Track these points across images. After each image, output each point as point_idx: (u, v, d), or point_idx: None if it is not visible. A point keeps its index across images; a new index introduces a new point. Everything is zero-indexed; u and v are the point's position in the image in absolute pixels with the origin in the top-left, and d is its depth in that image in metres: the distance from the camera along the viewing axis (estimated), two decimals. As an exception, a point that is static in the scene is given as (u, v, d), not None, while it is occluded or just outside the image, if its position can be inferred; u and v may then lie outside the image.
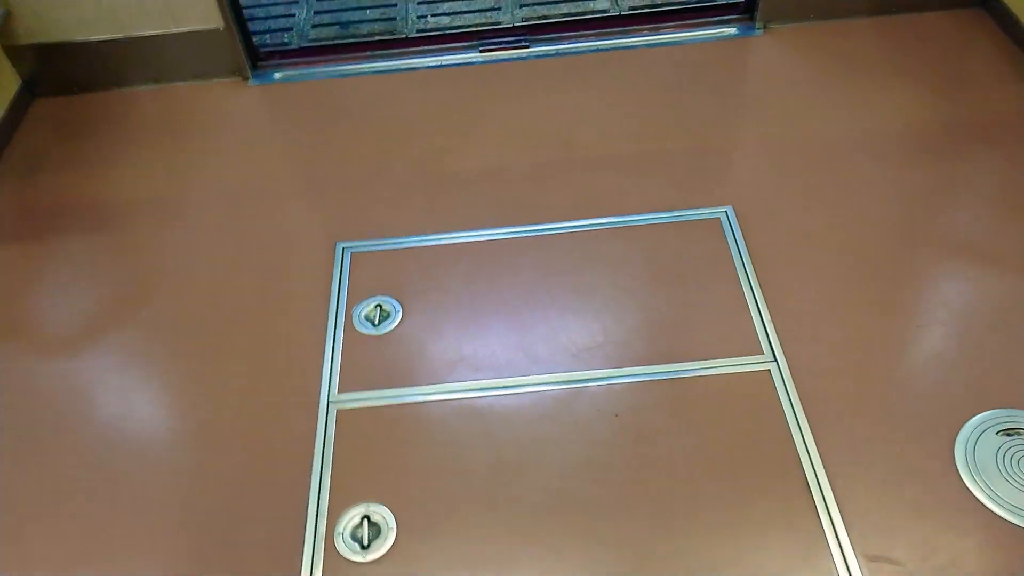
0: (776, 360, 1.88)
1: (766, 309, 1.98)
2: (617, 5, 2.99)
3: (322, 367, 1.94)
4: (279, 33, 2.99)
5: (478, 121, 2.59)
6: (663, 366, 1.89)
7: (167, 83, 2.76)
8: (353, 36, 2.96)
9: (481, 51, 2.84)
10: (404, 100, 2.69)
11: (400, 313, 2.05)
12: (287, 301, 2.11)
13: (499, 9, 3.03)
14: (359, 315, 2.05)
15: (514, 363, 1.92)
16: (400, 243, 2.22)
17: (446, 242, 2.21)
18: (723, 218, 2.20)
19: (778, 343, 1.91)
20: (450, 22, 3.00)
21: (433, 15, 3.04)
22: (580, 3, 3.01)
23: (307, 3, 3.13)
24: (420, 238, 2.22)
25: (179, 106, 2.71)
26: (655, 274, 2.10)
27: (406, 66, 2.82)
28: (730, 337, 1.93)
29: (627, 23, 2.88)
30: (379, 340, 2.00)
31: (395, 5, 3.10)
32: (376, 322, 2.03)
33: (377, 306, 2.07)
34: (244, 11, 2.74)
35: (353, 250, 2.21)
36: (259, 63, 2.82)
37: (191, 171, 2.49)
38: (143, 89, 2.76)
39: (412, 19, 3.03)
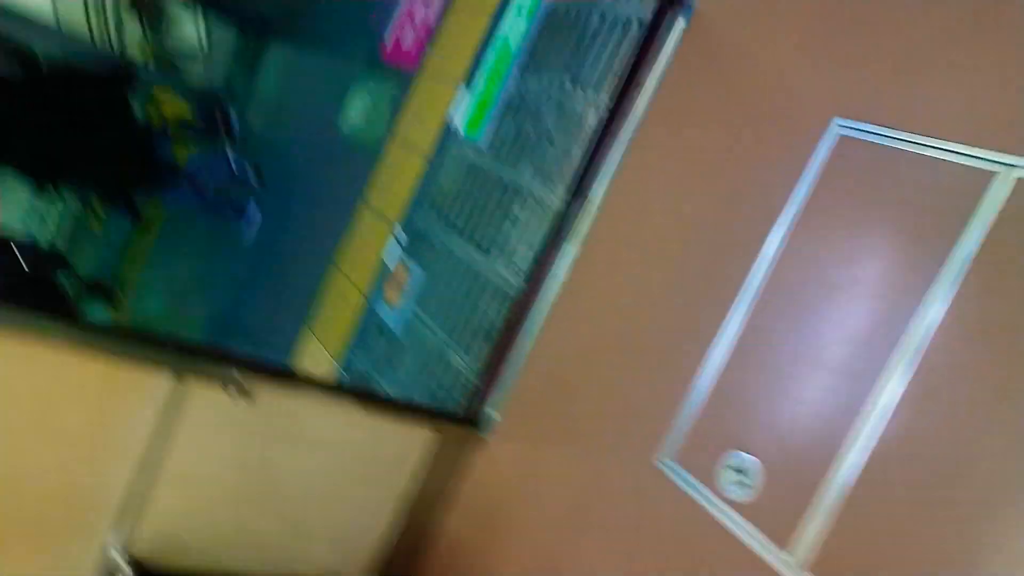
0: None
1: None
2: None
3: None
4: (460, 382, 3.31)
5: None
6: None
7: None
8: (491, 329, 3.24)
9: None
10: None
11: (753, 461, 2.10)
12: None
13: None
14: (727, 486, 2.11)
15: (861, 382, 1.92)
16: (690, 409, 2.31)
17: (712, 376, 2.29)
18: (834, 130, 2.19)
19: None
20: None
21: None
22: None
23: (450, 344, 3.46)
24: (697, 396, 2.31)
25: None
26: (861, 219, 2.09)
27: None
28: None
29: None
30: (766, 479, 2.05)
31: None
32: (745, 473, 2.09)
33: (731, 468, 2.13)
34: (429, 401, 3.06)
35: (667, 459, 2.32)
36: (476, 422, 3.11)
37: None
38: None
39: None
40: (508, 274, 3.31)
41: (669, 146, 2.78)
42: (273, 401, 2.56)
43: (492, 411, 3.08)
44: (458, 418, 3.09)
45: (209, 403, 2.44)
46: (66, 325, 2.16)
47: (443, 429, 2.97)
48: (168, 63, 9.48)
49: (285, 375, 2.59)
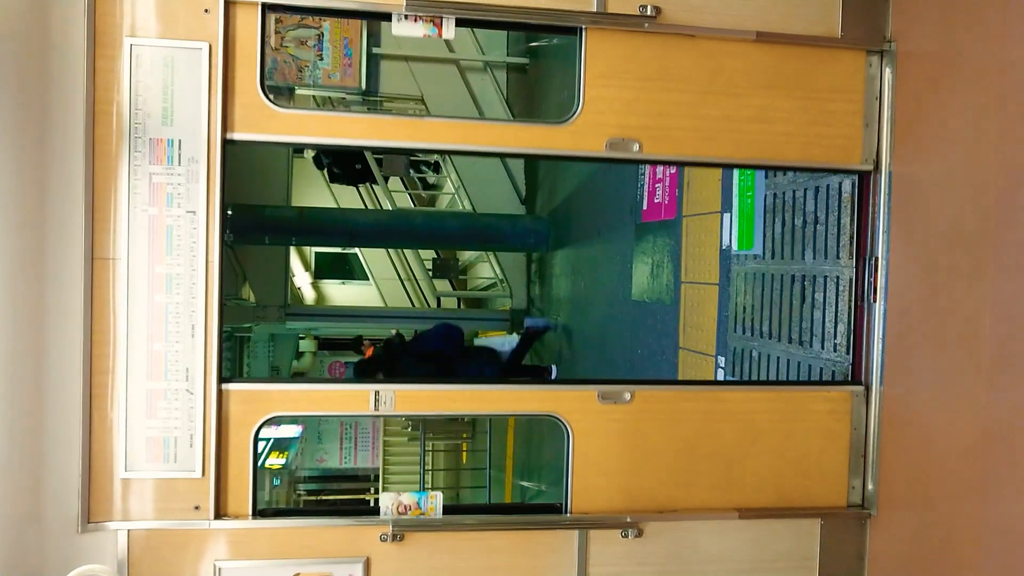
0: None
1: None
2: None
3: None
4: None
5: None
6: None
7: None
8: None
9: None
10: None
11: None
12: None
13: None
14: None
15: None
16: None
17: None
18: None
19: None
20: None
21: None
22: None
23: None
24: None
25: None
26: None
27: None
28: None
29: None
30: None
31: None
32: None
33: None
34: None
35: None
36: (858, 502, 3.13)
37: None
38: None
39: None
40: (832, 354, 3.41)
41: (926, 175, 2.85)
42: (660, 532, 2.86)
43: (871, 485, 3.09)
44: (841, 504, 3.14)
45: (609, 547, 2.83)
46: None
47: (828, 515, 3.04)
48: (476, 301, 10.83)
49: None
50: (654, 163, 2.80)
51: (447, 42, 9.33)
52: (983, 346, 2.54)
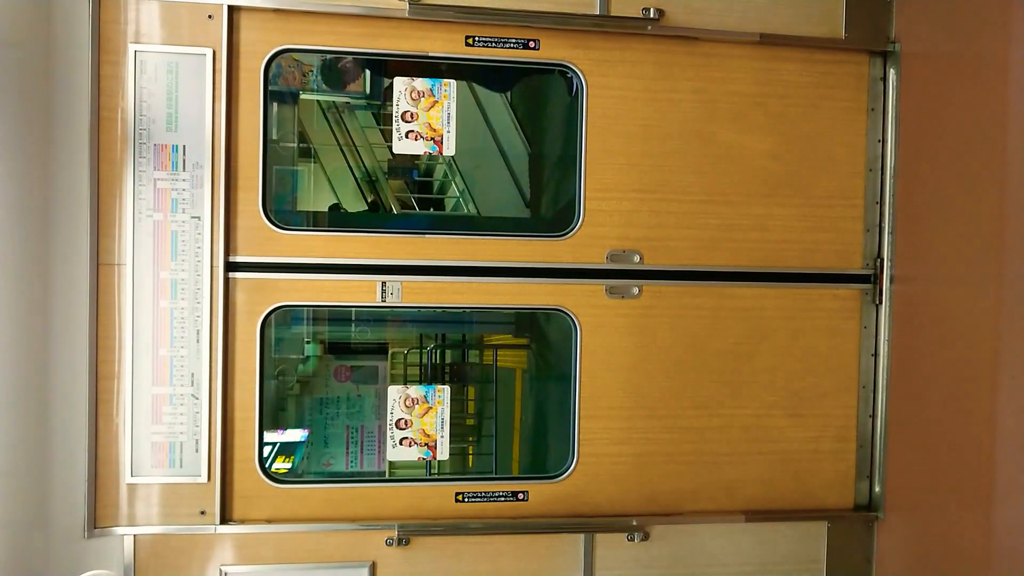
0: None
1: None
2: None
3: None
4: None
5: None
6: None
7: None
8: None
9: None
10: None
11: None
12: None
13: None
14: None
15: None
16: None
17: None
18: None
19: None
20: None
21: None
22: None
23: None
24: None
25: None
26: None
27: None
28: None
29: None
30: None
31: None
32: None
33: None
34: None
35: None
36: (865, 504, 3.12)
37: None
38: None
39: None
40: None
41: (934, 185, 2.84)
42: (666, 535, 2.87)
43: (878, 487, 3.08)
44: (846, 506, 3.13)
45: (615, 551, 2.86)
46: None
47: (835, 517, 3.03)
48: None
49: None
50: (655, 275, 2.85)
51: (450, 46, 9.29)
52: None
